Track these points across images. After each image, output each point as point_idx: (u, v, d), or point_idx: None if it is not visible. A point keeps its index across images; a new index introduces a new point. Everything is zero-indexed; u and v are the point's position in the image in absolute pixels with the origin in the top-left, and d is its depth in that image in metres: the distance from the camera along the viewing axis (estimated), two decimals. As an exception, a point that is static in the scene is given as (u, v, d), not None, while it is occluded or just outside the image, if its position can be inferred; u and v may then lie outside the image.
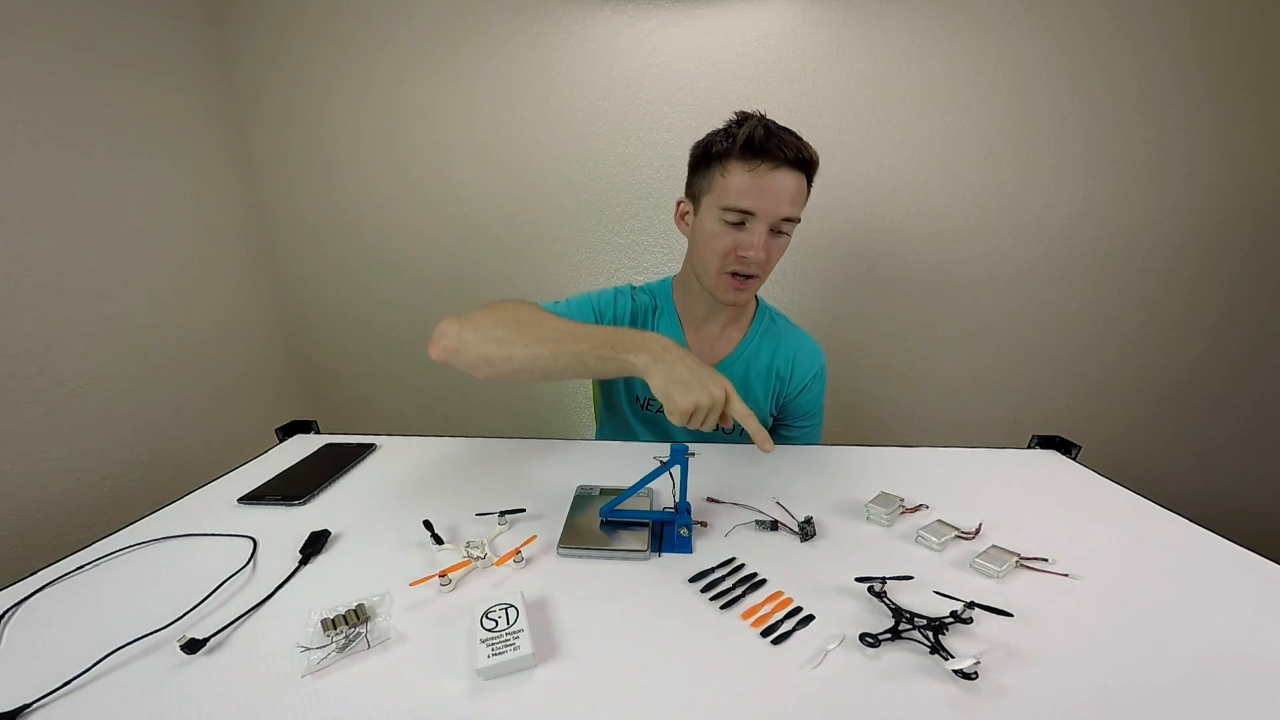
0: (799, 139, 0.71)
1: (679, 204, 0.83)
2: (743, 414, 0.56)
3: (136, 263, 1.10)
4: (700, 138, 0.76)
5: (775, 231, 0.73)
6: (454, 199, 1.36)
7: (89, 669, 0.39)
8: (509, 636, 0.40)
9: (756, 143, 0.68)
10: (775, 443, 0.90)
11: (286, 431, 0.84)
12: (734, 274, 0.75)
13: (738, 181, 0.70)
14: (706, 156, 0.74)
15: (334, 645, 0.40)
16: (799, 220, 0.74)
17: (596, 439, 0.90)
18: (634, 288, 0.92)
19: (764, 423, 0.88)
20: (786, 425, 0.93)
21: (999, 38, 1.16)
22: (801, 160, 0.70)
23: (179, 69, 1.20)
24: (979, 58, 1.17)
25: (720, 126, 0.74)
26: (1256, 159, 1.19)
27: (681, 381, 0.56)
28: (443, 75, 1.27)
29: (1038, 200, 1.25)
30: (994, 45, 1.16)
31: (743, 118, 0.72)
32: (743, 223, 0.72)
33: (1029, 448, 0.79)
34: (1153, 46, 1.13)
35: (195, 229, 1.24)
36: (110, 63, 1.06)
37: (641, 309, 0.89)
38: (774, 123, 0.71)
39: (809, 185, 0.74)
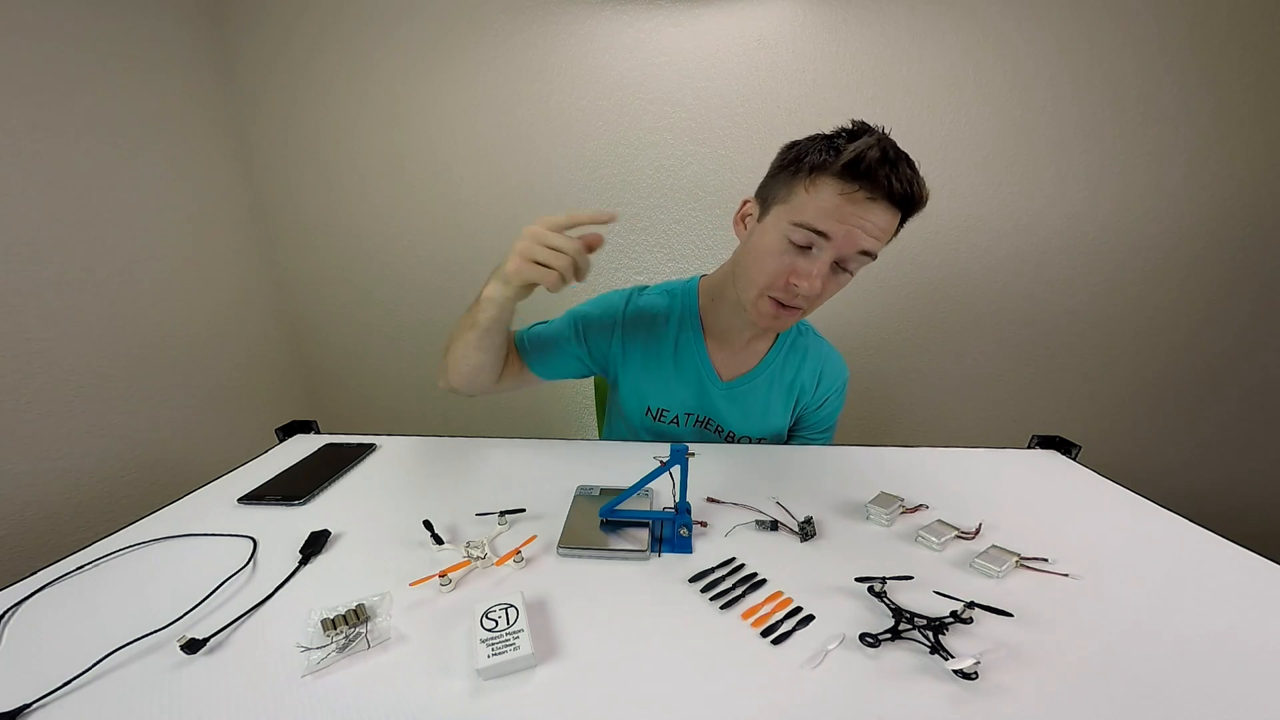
0: (914, 171, 0.61)
1: (744, 203, 0.73)
2: (557, 222, 0.58)
3: (137, 263, 1.10)
4: (799, 138, 0.66)
5: (840, 267, 0.64)
6: (453, 199, 1.36)
7: (89, 669, 0.39)
8: (509, 636, 0.40)
9: (865, 165, 0.58)
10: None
11: (286, 431, 0.84)
12: (776, 300, 0.67)
13: (824, 201, 0.60)
14: (796, 163, 0.63)
15: (334, 645, 0.40)
16: (874, 260, 0.64)
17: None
18: (639, 289, 0.85)
19: (778, 434, 0.87)
20: (800, 435, 0.91)
21: (999, 38, 1.16)
22: (907, 198, 0.60)
23: (179, 69, 1.20)
24: (979, 58, 1.17)
25: (826, 132, 0.64)
26: (1255, 159, 1.19)
27: (504, 260, 0.60)
28: (442, 75, 1.27)
29: (1037, 200, 1.25)
30: (993, 45, 1.16)
31: (859, 130, 0.61)
32: (809, 246, 0.63)
33: (1029, 448, 0.79)
34: (1152, 46, 1.14)
35: (196, 229, 1.24)
36: (111, 63, 1.06)
37: (646, 308, 0.83)
38: (893, 146, 0.60)
39: (902, 224, 0.65)
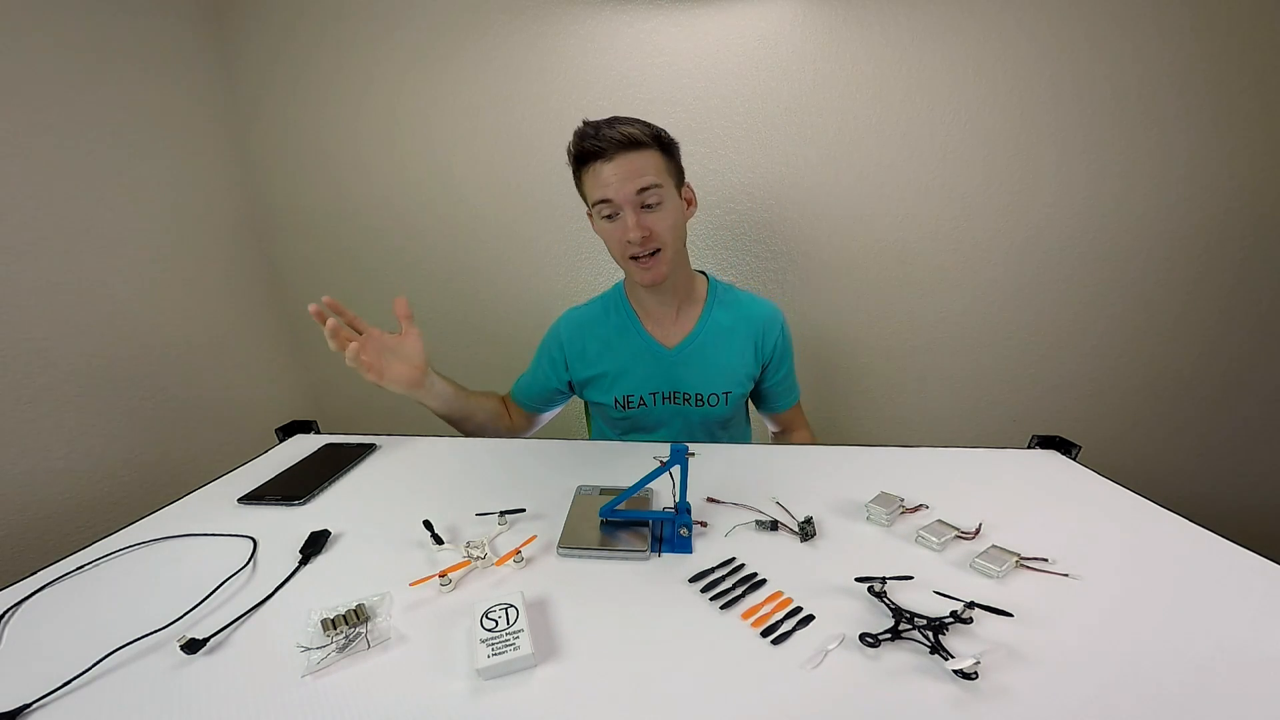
0: (621, 122, 0.76)
1: (589, 216, 0.88)
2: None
3: (136, 262, 1.10)
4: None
5: (647, 207, 0.78)
6: (453, 199, 1.36)
7: (89, 669, 0.39)
8: (509, 636, 0.40)
9: (579, 151, 0.78)
10: (767, 400, 1.01)
11: (286, 431, 0.84)
12: (633, 258, 0.81)
13: (590, 183, 0.79)
14: (574, 176, 0.83)
15: (334, 645, 0.40)
16: (662, 185, 0.78)
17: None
18: (573, 308, 0.99)
19: (745, 386, 0.94)
20: (773, 380, 0.98)
21: (1000, 37, 1.15)
22: (626, 142, 0.75)
23: (179, 68, 1.20)
24: (979, 57, 1.17)
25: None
26: (1256, 158, 1.19)
27: None
28: (442, 75, 1.27)
29: (1038, 200, 1.25)
30: (994, 45, 1.16)
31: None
32: (614, 214, 0.79)
33: (1029, 448, 0.79)
34: (1153, 46, 1.13)
35: (195, 227, 1.24)
36: (111, 62, 1.06)
37: (581, 316, 0.96)
38: (593, 123, 0.77)
39: (663, 153, 0.79)
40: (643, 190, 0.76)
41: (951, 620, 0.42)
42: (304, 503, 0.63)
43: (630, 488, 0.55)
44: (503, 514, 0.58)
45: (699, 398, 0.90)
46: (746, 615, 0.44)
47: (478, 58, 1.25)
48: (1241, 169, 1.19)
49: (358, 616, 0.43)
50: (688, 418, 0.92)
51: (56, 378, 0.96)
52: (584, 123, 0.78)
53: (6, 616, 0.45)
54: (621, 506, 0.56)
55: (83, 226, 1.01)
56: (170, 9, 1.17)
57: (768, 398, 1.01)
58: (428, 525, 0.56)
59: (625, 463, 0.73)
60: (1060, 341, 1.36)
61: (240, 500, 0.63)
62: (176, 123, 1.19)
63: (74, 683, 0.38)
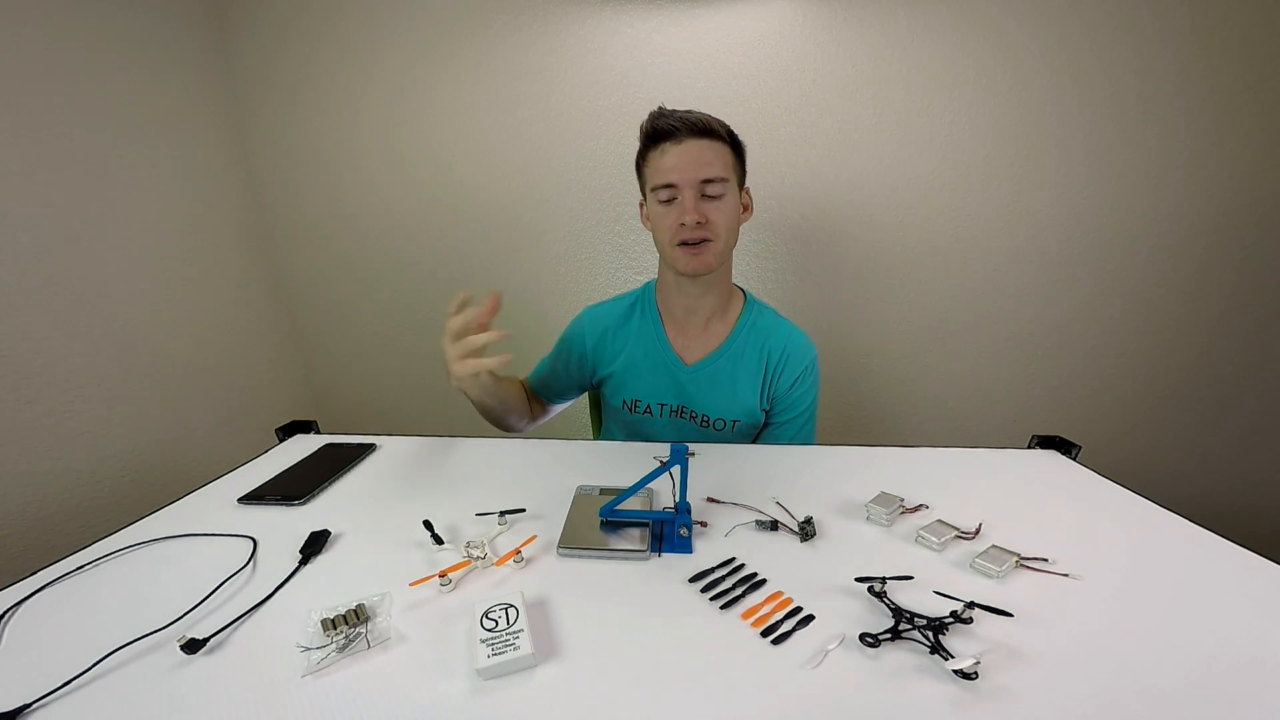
0: (696, 113, 0.78)
1: (640, 206, 0.88)
2: (454, 328, 0.71)
3: (136, 262, 1.10)
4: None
5: (708, 197, 0.78)
6: (453, 199, 1.36)
7: (89, 669, 0.39)
8: (509, 636, 0.40)
9: (650, 130, 0.79)
10: (768, 440, 0.94)
11: (286, 431, 0.84)
12: (683, 243, 0.80)
13: (654, 165, 0.79)
14: (638, 159, 0.84)
15: (334, 645, 0.40)
16: (727, 179, 0.78)
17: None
18: (592, 305, 0.97)
19: (752, 413, 0.89)
20: (779, 421, 0.92)
21: (999, 37, 1.16)
22: (699, 128, 0.76)
23: (180, 68, 1.20)
24: (979, 57, 1.17)
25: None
26: (1257, 159, 1.19)
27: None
28: (442, 75, 1.27)
29: (1038, 200, 1.25)
30: (994, 44, 1.16)
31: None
32: (673, 198, 0.79)
33: (1029, 448, 0.79)
34: (1153, 46, 1.13)
35: (195, 227, 1.24)
36: (111, 61, 1.06)
37: (604, 314, 0.94)
38: (668, 109, 0.79)
39: (733, 150, 0.80)
40: (708, 181, 0.76)
41: (951, 620, 0.42)
42: (304, 503, 0.63)
43: (630, 488, 0.55)
44: (503, 514, 0.58)
45: (705, 419, 0.89)
46: (746, 615, 0.44)
47: (478, 57, 1.25)
48: (1242, 169, 1.19)
49: (358, 616, 0.43)
50: (690, 435, 0.90)
51: (56, 377, 0.96)
52: (654, 110, 0.79)
53: (6, 616, 0.45)
54: (621, 506, 0.56)
55: (82, 226, 1.01)
56: (172, 8, 1.17)
57: (769, 441, 0.92)
58: (428, 525, 0.56)
59: (625, 463, 0.73)
60: (1060, 341, 1.36)
61: (240, 500, 0.63)
62: (177, 122, 1.19)
63: (74, 683, 0.38)
